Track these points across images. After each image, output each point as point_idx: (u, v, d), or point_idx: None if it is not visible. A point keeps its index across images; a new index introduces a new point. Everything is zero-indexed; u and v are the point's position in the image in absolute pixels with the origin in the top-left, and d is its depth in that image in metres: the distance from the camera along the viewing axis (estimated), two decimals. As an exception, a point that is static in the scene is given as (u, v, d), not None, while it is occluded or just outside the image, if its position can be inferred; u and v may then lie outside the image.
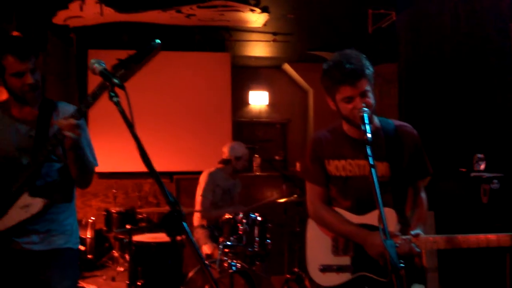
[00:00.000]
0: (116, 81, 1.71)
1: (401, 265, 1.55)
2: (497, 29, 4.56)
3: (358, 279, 2.28)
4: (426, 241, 2.16)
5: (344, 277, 2.30)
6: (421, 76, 5.33)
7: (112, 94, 1.71)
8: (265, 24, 6.96)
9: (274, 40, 7.68)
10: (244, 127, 9.68)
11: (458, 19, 4.88)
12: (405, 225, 2.31)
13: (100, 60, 1.84)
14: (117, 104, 1.68)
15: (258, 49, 8.36)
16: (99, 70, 1.80)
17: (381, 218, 1.71)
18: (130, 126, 1.63)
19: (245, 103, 9.73)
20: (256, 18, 6.67)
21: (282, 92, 9.93)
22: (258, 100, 9.75)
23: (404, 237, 2.16)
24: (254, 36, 7.71)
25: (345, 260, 2.31)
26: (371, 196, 2.12)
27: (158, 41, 1.90)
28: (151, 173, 1.54)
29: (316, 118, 9.40)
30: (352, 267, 2.29)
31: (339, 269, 2.30)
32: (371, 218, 2.25)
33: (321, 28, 7.30)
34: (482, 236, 2.10)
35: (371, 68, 2.21)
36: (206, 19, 6.71)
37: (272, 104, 9.88)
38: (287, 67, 9.48)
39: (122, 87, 1.71)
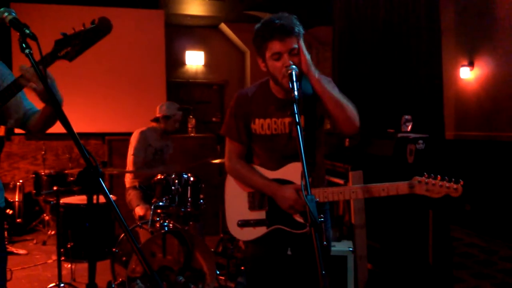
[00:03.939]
0: (27, 31, 1.61)
1: (321, 219, 1.60)
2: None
3: (273, 232, 2.37)
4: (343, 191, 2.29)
5: (260, 231, 2.39)
6: (354, 39, 5.39)
7: (24, 45, 1.61)
8: (200, -19, 6.80)
9: (210, -2, 7.54)
10: (180, 88, 9.52)
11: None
12: (317, 177, 2.40)
13: (11, 9, 1.72)
14: (29, 56, 1.59)
15: (194, 7, 8.16)
16: (9, 19, 1.68)
17: (304, 174, 1.74)
18: (43, 79, 1.54)
19: (181, 63, 9.54)
20: (191, -25, 6.49)
21: (219, 53, 9.81)
22: (195, 60, 9.58)
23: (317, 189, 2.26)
24: (190, -7, 7.53)
25: (261, 215, 2.39)
26: (287, 152, 2.30)
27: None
28: (67, 129, 1.47)
29: (253, 80, 9.38)
30: (267, 221, 2.37)
31: (256, 223, 2.38)
32: (283, 173, 2.33)
33: (258, -12, 7.24)
34: (386, 185, 2.21)
35: (301, 29, 2.20)
36: (138, -26, 6.46)
37: (209, 64, 9.75)
38: (224, 27, 9.34)
39: (34, 38, 1.61)
